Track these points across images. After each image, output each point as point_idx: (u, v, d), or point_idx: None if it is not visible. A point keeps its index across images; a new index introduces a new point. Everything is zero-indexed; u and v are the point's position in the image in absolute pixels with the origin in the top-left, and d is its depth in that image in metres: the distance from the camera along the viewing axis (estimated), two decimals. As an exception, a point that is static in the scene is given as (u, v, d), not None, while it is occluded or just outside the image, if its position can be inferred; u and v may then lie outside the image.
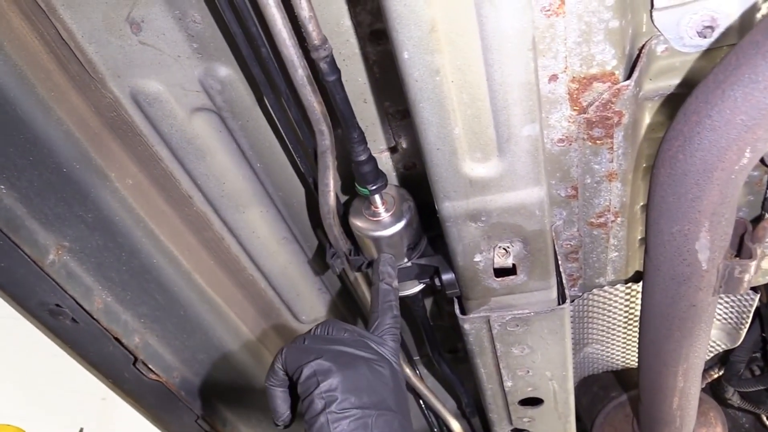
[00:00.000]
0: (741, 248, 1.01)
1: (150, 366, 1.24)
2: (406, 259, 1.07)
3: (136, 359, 1.21)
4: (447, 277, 1.02)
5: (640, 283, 1.34)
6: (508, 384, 1.26)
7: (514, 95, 0.76)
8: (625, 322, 1.49)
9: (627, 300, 1.41)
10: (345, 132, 0.90)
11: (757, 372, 1.68)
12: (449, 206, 0.89)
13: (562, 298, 1.07)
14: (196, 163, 1.04)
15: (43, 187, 0.95)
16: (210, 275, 1.24)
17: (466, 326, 1.11)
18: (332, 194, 1.00)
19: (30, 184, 0.95)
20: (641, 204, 1.18)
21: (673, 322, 1.09)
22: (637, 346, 1.27)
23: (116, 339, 1.16)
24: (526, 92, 0.76)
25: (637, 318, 1.44)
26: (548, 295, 1.06)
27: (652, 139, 1.05)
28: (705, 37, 0.92)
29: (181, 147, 1.02)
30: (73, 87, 0.93)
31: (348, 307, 1.42)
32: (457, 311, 1.10)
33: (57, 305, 1.06)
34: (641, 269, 1.33)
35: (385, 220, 1.02)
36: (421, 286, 1.14)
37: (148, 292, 1.15)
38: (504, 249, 0.96)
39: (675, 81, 0.97)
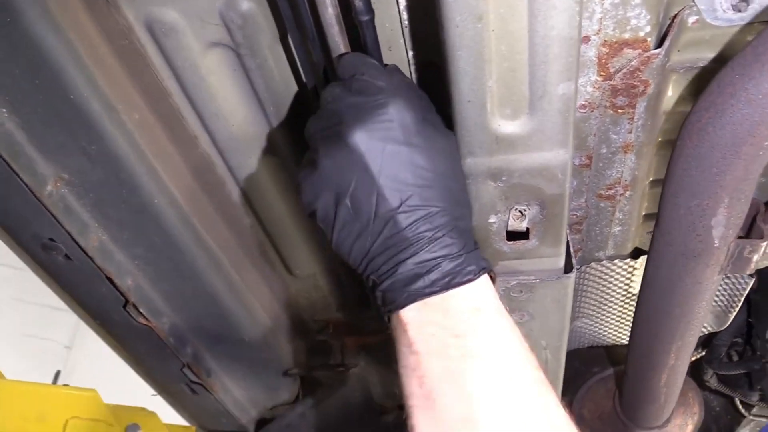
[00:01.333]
0: (752, 228, 1.01)
1: (141, 310, 1.20)
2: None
3: (127, 302, 1.18)
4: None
5: (638, 260, 1.35)
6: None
7: (554, 50, 0.74)
8: (619, 299, 1.50)
9: (624, 276, 1.42)
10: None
11: (735, 357, 1.71)
12: (471, 162, 0.87)
13: (568, 266, 1.07)
14: (207, 102, 1.00)
15: (48, 114, 0.91)
16: (208, 221, 1.20)
17: (472, 288, 1.10)
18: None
19: (33, 110, 0.90)
20: (651, 179, 1.18)
21: (676, 299, 1.10)
22: (632, 321, 1.28)
23: (109, 279, 1.12)
24: (567, 48, 0.74)
25: (632, 295, 1.45)
26: (556, 263, 1.05)
27: (672, 112, 1.04)
28: (739, 11, 0.90)
29: (193, 83, 0.97)
30: (85, 8, 0.88)
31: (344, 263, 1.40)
32: (463, 273, 1.09)
33: (51, 239, 1.02)
34: (641, 246, 1.33)
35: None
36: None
37: (145, 233, 1.12)
38: (520, 212, 0.94)
39: (703, 54, 0.95)
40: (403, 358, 0.77)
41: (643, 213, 1.25)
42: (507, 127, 0.83)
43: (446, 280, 0.76)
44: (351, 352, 1.68)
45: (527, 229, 0.97)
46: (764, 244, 0.98)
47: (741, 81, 0.79)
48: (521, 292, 1.10)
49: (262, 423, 1.70)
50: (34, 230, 1.01)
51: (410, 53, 0.95)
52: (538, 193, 0.91)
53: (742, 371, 1.58)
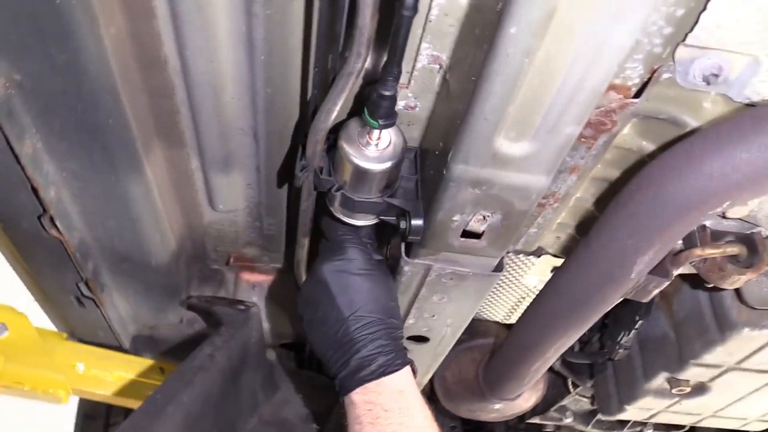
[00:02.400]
0: (659, 267, 1.15)
1: (56, 222, 1.12)
2: (376, 195, 1.07)
3: (44, 212, 1.09)
4: (416, 223, 1.04)
5: (539, 258, 1.48)
6: (409, 321, 1.34)
7: (580, 97, 0.79)
8: (508, 285, 1.64)
9: (520, 267, 1.55)
10: (387, 65, 0.86)
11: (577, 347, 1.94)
12: (462, 169, 0.91)
13: (499, 266, 1.15)
14: (195, 33, 0.93)
15: (22, 10, 0.79)
16: (151, 147, 1.13)
17: (407, 268, 1.15)
18: (335, 115, 0.96)
19: (4, 6, 0.79)
20: (577, 196, 1.29)
21: (578, 307, 1.23)
22: (525, 310, 1.41)
23: (33, 189, 1.03)
24: (591, 98, 0.79)
25: (521, 285, 1.60)
26: (492, 262, 1.14)
27: (619, 148, 1.14)
28: (707, 83, 1.00)
29: (187, 11, 0.90)
30: None
31: (270, 213, 1.39)
32: (403, 253, 1.14)
33: (-18, 138, 0.92)
34: (544, 246, 1.46)
35: (376, 155, 1.01)
36: (374, 222, 1.15)
37: (87, 150, 1.03)
38: (483, 216, 1.00)
39: (665, 108, 1.05)
40: (350, 428, 1.06)
41: (558, 221, 1.37)
42: (507, 147, 0.87)
43: (381, 370, 1.06)
44: (244, 287, 1.68)
45: (483, 231, 1.04)
46: (666, 283, 1.13)
47: (709, 155, 0.89)
48: (451, 279, 1.17)
49: (138, 339, 1.67)
50: (-34, 127, 0.89)
51: (433, 54, 0.94)
52: (507, 206, 0.98)
53: (588, 362, 1.81)
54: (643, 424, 2.29)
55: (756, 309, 1.28)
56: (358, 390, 1.07)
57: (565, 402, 2.16)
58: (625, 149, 1.13)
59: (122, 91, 0.97)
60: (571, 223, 1.29)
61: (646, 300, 1.19)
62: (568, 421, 2.31)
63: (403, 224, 1.07)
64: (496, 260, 1.14)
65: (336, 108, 0.94)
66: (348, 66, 0.88)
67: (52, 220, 1.11)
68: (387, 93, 0.90)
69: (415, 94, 1.02)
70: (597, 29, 0.71)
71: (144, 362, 1.65)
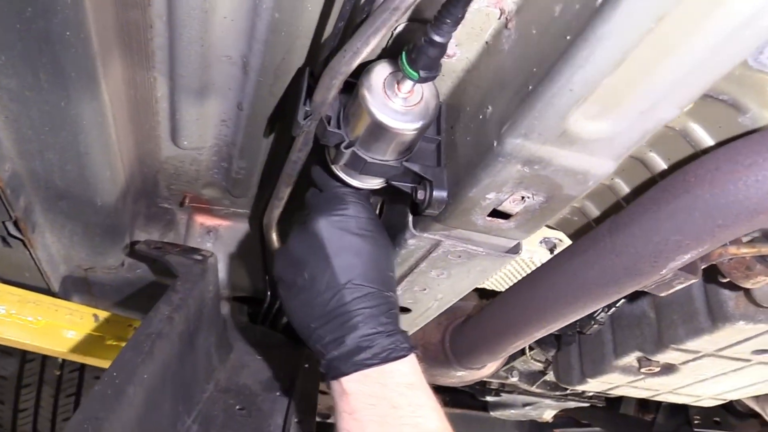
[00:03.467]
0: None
1: (-16, 151, 0.89)
2: (392, 157, 0.89)
3: (-32, 139, 0.86)
4: (439, 194, 0.88)
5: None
6: (398, 292, 1.19)
7: (696, 79, 0.63)
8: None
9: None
10: (449, 4, 0.68)
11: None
12: (518, 144, 0.74)
13: (516, 248, 1.02)
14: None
15: None
16: (110, 67, 0.90)
17: (412, 242, 0.99)
18: (362, 57, 0.76)
19: None
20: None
21: (581, 295, 1.12)
22: (518, 286, 1.29)
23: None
24: (706, 81, 0.64)
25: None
26: (510, 243, 1.00)
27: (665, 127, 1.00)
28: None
29: None
30: None
31: (244, 155, 1.18)
32: (410, 224, 0.98)
33: None
34: (552, 224, 1.33)
35: (404, 111, 0.83)
36: (380, 186, 0.97)
37: (33, 64, 0.79)
38: (523, 197, 0.85)
39: (727, 89, 0.92)
40: (343, 421, 0.89)
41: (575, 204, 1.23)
42: (582, 124, 0.71)
43: (384, 354, 0.88)
44: (197, 231, 1.48)
45: (516, 213, 0.89)
46: (694, 280, 1.03)
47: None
48: (460, 257, 1.02)
49: (68, 281, 1.45)
50: None
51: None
52: (554, 189, 0.83)
53: (556, 333, 1.74)
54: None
55: (763, 307, 1.21)
56: (354, 376, 0.88)
57: (514, 362, 2.11)
58: (672, 130, 1.00)
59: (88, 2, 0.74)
60: (592, 207, 1.15)
61: (663, 294, 1.09)
62: (514, 380, 2.28)
63: (421, 194, 0.90)
64: (515, 242, 0.99)
65: (366, 49, 0.75)
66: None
67: (-22, 148, 0.88)
68: (439, 39, 0.72)
69: (458, 41, 0.84)
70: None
71: (75, 308, 1.44)
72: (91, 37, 0.80)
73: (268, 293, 1.44)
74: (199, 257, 1.28)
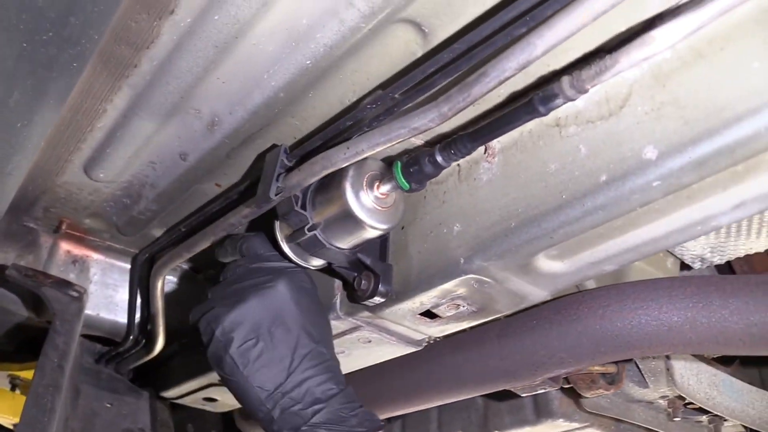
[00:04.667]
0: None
1: None
2: (349, 247, 0.93)
3: None
4: (384, 288, 0.93)
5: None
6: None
7: (644, 250, 0.79)
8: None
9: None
10: (464, 140, 0.76)
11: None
12: (480, 265, 0.84)
13: (422, 341, 1.10)
14: None
15: None
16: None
17: (334, 322, 1.03)
18: (363, 157, 0.81)
19: None
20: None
21: (456, 387, 1.25)
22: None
23: None
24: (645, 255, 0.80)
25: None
26: (419, 336, 1.07)
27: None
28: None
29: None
30: None
31: (159, 201, 1.13)
32: (338, 307, 1.02)
33: None
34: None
35: (377, 210, 0.88)
36: (321, 265, 1.00)
37: (13, 83, 0.71)
38: (459, 305, 0.94)
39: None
40: None
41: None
42: (542, 261, 0.83)
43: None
44: (61, 258, 1.35)
45: (445, 317, 0.97)
46: (556, 387, 1.20)
47: (673, 307, 0.97)
48: (369, 342, 1.08)
49: None
50: None
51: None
52: (489, 304, 0.92)
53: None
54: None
55: (589, 413, 1.42)
56: None
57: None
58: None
59: None
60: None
61: (524, 395, 1.25)
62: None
63: (364, 285, 0.95)
64: (424, 337, 1.08)
65: (370, 153, 0.80)
66: (418, 119, 0.75)
67: None
68: (442, 164, 0.79)
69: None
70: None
71: None
72: (86, 67, 0.75)
73: (130, 336, 1.35)
74: (75, 293, 1.18)
